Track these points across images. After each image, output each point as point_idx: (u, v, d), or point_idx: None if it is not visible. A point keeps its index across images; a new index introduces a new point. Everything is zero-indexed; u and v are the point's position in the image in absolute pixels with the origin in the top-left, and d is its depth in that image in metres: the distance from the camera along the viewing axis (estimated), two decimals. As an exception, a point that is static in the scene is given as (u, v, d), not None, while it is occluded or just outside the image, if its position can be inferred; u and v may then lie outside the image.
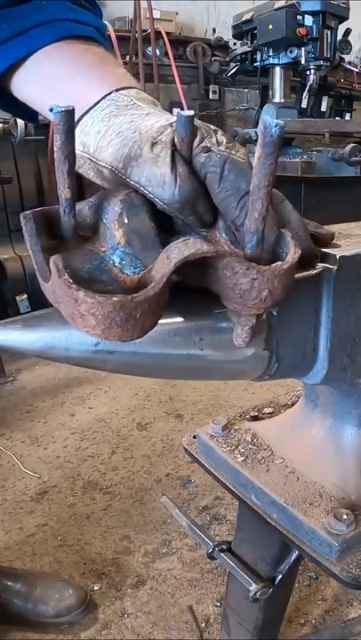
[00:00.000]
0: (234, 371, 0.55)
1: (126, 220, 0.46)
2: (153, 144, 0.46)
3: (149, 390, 2.63)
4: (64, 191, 0.44)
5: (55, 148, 0.43)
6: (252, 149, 3.88)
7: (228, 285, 0.42)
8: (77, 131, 0.53)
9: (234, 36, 4.28)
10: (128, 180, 0.47)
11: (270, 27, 3.59)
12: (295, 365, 0.58)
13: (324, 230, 0.55)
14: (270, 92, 4.01)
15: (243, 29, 4.03)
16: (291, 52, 3.71)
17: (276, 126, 0.39)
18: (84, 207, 0.48)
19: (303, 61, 3.67)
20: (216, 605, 1.46)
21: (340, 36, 3.87)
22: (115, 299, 0.37)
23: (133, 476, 2.00)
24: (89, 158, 0.51)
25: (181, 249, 0.41)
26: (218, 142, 0.47)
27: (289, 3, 3.52)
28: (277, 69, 3.90)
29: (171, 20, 4.53)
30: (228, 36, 4.52)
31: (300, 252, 0.44)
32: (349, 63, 4.44)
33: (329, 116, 4.38)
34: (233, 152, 0.46)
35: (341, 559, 0.59)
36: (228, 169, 0.45)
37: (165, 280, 0.40)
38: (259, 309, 0.43)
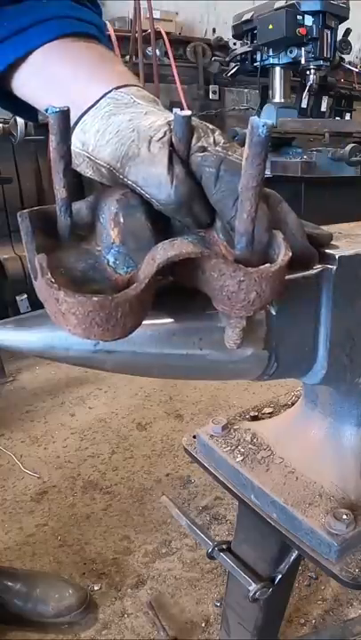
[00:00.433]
0: (233, 370, 0.55)
1: (122, 220, 0.46)
2: (150, 144, 0.46)
3: (149, 390, 2.63)
4: (60, 190, 0.44)
5: (51, 148, 0.43)
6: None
7: (216, 287, 0.42)
8: (77, 129, 0.53)
9: (234, 36, 4.28)
10: (125, 179, 0.47)
11: (270, 27, 3.58)
12: (295, 365, 0.58)
13: (323, 231, 0.55)
14: (270, 91, 4.00)
15: (243, 29, 4.03)
16: (291, 51, 3.70)
17: (263, 126, 0.38)
18: (82, 206, 0.49)
19: (303, 61, 3.66)
20: (216, 605, 1.46)
21: (340, 36, 3.87)
22: (94, 299, 0.37)
23: (133, 476, 2.00)
24: (88, 157, 0.51)
25: (166, 250, 0.41)
26: (215, 142, 0.46)
27: (289, 3, 3.52)
28: (277, 69, 3.90)
29: (171, 20, 4.53)
30: (228, 35, 4.52)
31: (290, 254, 0.43)
32: (349, 63, 4.44)
33: (329, 116, 4.38)
34: (230, 152, 0.46)
35: (341, 559, 0.59)
36: (224, 169, 0.45)
37: (148, 281, 0.39)
38: (248, 311, 0.43)
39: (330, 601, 1.49)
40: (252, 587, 0.73)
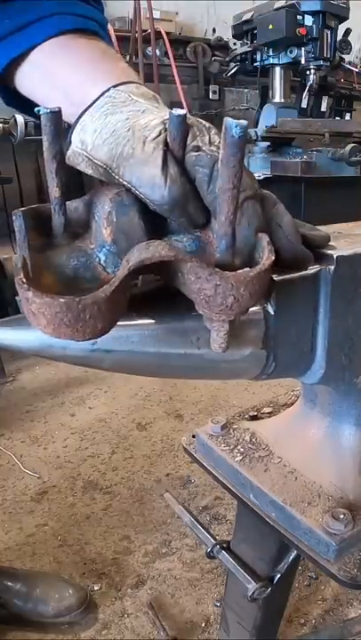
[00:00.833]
0: (231, 370, 0.55)
1: (115, 219, 0.46)
2: (145, 143, 0.46)
3: (149, 390, 2.63)
4: (53, 190, 0.45)
5: (44, 148, 0.43)
6: (252, 149, 3.87)
7: (194, 290, 0.42)
8: (77, 128, 0.53)
9: (234, 36, 4.28)
10: (120, 179, 0.47)
11: (270, 27, 3.59)
12: (293, 365, 0.58)
13: (320, 232, 0.55)
14: (270, 91, 4.01)
15: (243, 29, 4.03)
16: (291, 51, 3.71)
17: (236, 127, 0.38)
18: (79, 204, 0.49)
19: (303, 61, 3.67)
20: (216, 605, 1.46)
21: (340, 36, 3.87)
22: (61, 300, 0.37)
23: (133, 476, 2.00)
24: (87, 156, 0.51)
25: (140, 252, 0.41)
26: (210, 142, 0.46)
27: (289, 3, 3.53)
28: (277, 69, 3.90)
29: (171, 20, 4.54)
30: (228, 35, 4.53)
31: (273, 258, 0.43)
32: (349, 63, 4.45)
33: (329, 116, 4.38)
34: None
35: (339, 558, 0.59)
36: (218, 170, 0.45)
37: (118, 283, 0.39)
38: (228, 316, 0.42)
39: (330, 601, 1.49)
40: (251, 586, 0.73)
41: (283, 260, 0.49)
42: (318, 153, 3.43)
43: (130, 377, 2.52)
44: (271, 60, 3.86)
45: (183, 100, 3.95)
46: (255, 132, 3.63)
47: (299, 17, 3.52)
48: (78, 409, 2.50)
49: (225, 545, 0.80)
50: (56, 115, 0.42)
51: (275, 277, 0.51)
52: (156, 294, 0.50)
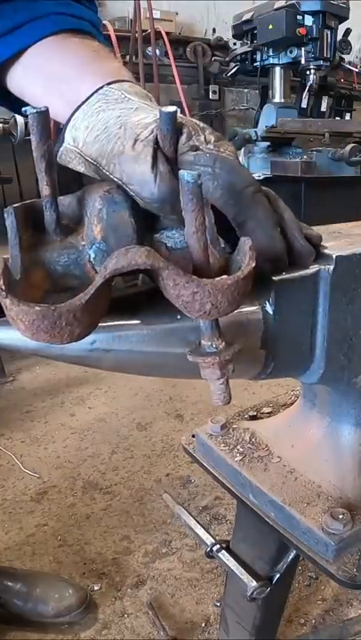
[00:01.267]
0: (230, 370, 0.55)
1: (105, 216, 0.46)
2: (135, 141, 0.46)
3: (149, 390, 2.63)
4: (43, 188, 0.45)
5: (33, 148, 0.43)
6: (252, 149, 3.87)
7: (173, 296, 0.42)
8: (70, 125, 0.53)
9: (234, 36, 4.28)
10: (111, 176, 0.47)
11: (270, 27, 3.59)
12: (292, 365, 0.58)
13: (313, 232, 0.55)
14: (270, 92, 4.01)
15: (243, 29, 4.03)
16: (291, 52, 3.71)
17: (188, 175, 0.39)
18: (72, 200, 0.49)
19: (303, 61, 3.67)
20: (216, 605, 1.46)
21: (340, 36, 3.87)
22: (37, 308, 0.38)
23: (133, 476, 2.00)
24: (78, 152, 0.51)
25: (118, 260, 0.41)
26: (206, 140, 0.47)
27: (289, 3, 3.52)
28: (277, 69, 3.90)
29: (171, 20, 4.54)
30: (228, 35, 4.53)
31: (253, 264, 0.43)
32: (349, 63, 4.45)
33: (329, 116, 4.38)
34: (222, 150, 0.46)
35: (338, 558, 0.59)
36: (220, 167, 0.45)
37: (94, 292, 0.39)
38: (207, 318, 0.43)
39: (330, 601, 1.49)
40: (250, 586, 0.73)
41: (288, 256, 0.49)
42: (318, 153, 3.43)
43: (130, 377, 2.52)
44: (271, 60, 3.86)
45: (183, 100, 3.95)
46: (255, 132, 3.63)
47: (299, 17, 3.52)
48: (78, 409, 2.50)
49: (224, 545, 0.80)
50: (43, 114, 0.42)
51: (274, 278, 0.51)
52: (156, 294, 0.50)
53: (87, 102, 0.53)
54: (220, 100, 4.66)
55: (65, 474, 2.02)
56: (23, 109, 0.43)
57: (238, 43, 4.30)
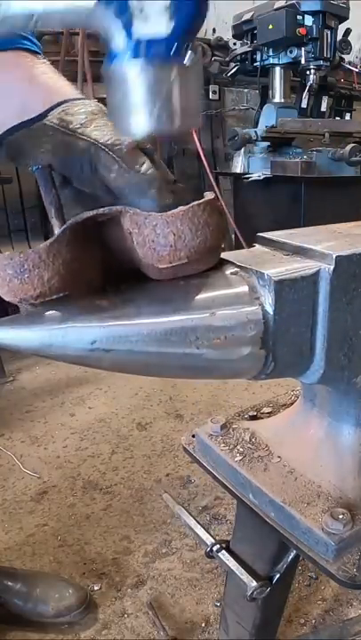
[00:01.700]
0: (230, 370, 0.55)
1: None
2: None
3: (149, 390, 2.63)
4: (56, 226, 0.51)
5: (43, 197, 0.52)
6: (252, 149, 3.87)
7: (142, 244, 0.45)
8: (58, 110, 0.54)
9: (234, 36, 4.28)
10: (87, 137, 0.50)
11: (270, 27, 3.58)
12: (292, 365, 0.58)
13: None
14: (270, 91, 4.00)
15: (243, 29, 4.03)
16: (291, 51, 3.70)
17: None
18: None
19: (303, 61, 3.66)
20: (216, 605, 1.46)
21: (340, 36, 3.87)
22: (6, 254, 0.44)
23: (133, 476, 2.00)
24: (58, 128, 0.52)
25: (86, 213, 0.47)
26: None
27: (289, 3, 3.52)
28: (277, 69, 3.90)
29: (171, 21, 4.52)
30: (228, 35, 4.52)
31: (212, 196, 0.47)
32: (349, 63, 4.44)
33: (329, 116, 4.38)
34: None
35: (338, 558, 0.59)
36: None
37: (60, 234, 0.45)
38: (178, 259, 0.46)
39: (330, 601, 1.49)
40: (250, 586, 0.73)
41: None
42: (318, 153, 3.43)
43: (130, 377, 2.52)
44: (271, 60, 3.85)
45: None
46: (255, 132, 3.62)
47: (299, 17, 3.51)
48: (78, 409, 2.50)
49: (224, 544, 0.80)
50: (48, 168, 0.49)
51: (274, 278, 0.52)
52: (155, 293, 0.50)
53: (76, 102, 0.55)
54: (220, 100, 4.66)
55: (65, 474, 2.02)
56: (29, 169, 0.49)
57: (238, 43, 4.29)
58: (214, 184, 3.73)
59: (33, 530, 1.74)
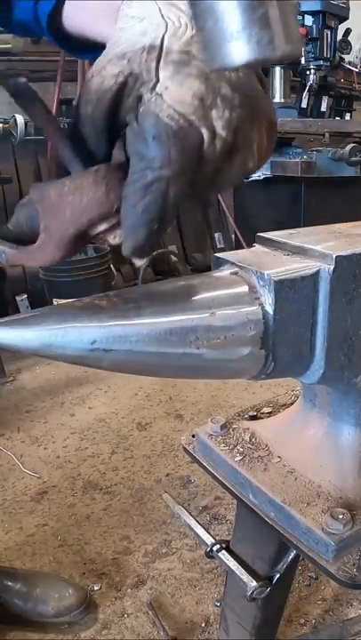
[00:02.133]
0: (230, 369, 0.55)
1: None
2: None
3: (149, 390, 2.63)
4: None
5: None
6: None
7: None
8: None
9: (234, 36, 4.27)
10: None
11: (270, 27, 3.58)
12: (292, 365, 0.58)
13: None
14: (270, 91, 4.01)
15: (243, 29, 4.02)
16: (291, 51, 3.70)
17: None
18: None
19: (303, 61, 3.67)
20: (216, 605, 1.46)
21: (340, 36, 3.87)
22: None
23: (133, 476, 2.00)
24: None
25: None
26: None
27: (289, 3, 3.51)
28: (277, 69, 3.89)
29: (171, 21, 4.52)
30: (228, 36, 4.52)
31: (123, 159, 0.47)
32: (349, 63, 4.44)
33: (329, 116, 4.37)
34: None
35: (338, 558, 0.59)
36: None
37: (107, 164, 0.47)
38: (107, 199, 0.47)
39: (330, 601, 1.49)
40: (250, 586, 0.73)
41: None
42: (318, 153, 3.43)
43: (130, 377, 2.52)
44: (271, 60, 3.85)
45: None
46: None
47: (299, 17, 3.52)
48: (78, 409, 2.50)
49: (224, 544, 0.80)
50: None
51: (274, 278, 0.52)
52: (155, 293, 0.50)
53: None
54: (220, 100, 4.66)
55: (65, 474, 2.02)
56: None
57: (238, 43, 4.29)
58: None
59: (33, 530, 1.74)
